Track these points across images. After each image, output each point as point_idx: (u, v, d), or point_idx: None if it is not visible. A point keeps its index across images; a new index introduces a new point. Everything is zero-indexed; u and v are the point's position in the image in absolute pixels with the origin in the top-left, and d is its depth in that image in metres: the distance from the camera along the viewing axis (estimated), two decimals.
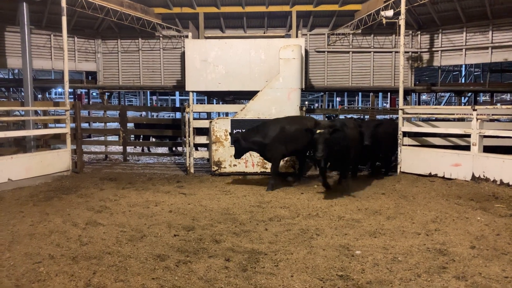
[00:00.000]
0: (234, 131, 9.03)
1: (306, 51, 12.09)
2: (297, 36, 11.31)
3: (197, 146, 10.96)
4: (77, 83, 17.61)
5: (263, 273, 4.01)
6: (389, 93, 18.13)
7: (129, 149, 13.78)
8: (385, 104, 33.48)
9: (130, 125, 13.00)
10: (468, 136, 8.48)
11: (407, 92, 15.67)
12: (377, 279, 3.88)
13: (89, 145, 15.05)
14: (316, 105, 42.48)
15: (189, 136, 10.04)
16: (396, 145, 9.48)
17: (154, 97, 38.12)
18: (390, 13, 10.36)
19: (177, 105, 37.33)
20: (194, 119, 10.16)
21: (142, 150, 14.92)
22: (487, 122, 8.57)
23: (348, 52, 15.73)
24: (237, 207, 6.68)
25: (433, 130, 9.54)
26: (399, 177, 9.12)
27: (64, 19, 9.78)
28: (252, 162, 9.58)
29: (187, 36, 10.28)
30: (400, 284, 3.78)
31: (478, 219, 5.78)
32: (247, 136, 8.20)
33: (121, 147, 12.32)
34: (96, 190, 7.98)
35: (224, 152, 9.63)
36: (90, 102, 25.24)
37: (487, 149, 8.42)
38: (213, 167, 9.69)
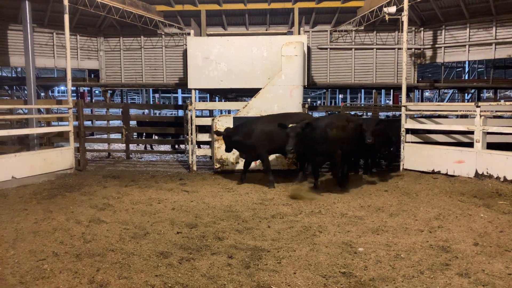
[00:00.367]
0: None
1: (309, 48, 12.02)
2: (299, 33, 11.31)
3: (199, 143, 10.97)
4: (79, 81, 17.64)
5: (266, 270, 4.01)
6: (391, 90, 18.01)
7: (132, 147, 13.81)
8: (388, 101, 33.40)
9: (132, 123, 13.03)
10: (472, 133, 8.46)
11: (410, 89, 15.60)
12: (380, 276, 3.88)
13: (92, 143, 15.09)
14: (319, 102, 42.32)
15: (191, 134, 10.05)
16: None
17: (157, 95, 38.20)
18: (392, 9, 10.27)
19: (180, 102, 37.40)
20: (197, 116, 10.18)
21: (145, 148, 14.95)
22: (491, 119, 8.53)
23: (350, 49, 15.65)
24: (240, 204, 6.69)
25: (436, 127, 9.52)
26: (402, 174, 9.11)
27: (66, 17, 9.80)
28: None
29: (189, 34, 10.29)
30: (403, 281, 3.77)
31: (482, 216, 5.77)
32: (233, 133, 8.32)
33: (124, 145, 12.36)
34: (99, 187, 8.01)
35: None
36: (93, 100, 25.25)
37: (491, 146, 8.39)
38: (216, 165, 9.70)
